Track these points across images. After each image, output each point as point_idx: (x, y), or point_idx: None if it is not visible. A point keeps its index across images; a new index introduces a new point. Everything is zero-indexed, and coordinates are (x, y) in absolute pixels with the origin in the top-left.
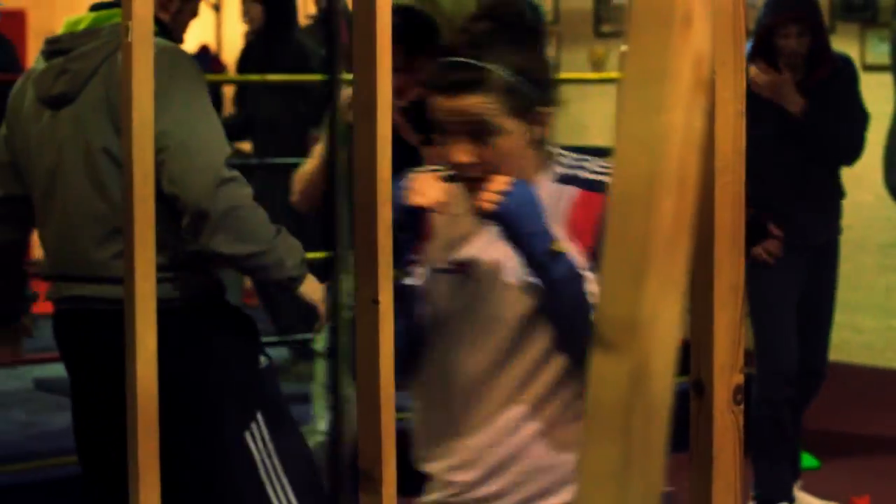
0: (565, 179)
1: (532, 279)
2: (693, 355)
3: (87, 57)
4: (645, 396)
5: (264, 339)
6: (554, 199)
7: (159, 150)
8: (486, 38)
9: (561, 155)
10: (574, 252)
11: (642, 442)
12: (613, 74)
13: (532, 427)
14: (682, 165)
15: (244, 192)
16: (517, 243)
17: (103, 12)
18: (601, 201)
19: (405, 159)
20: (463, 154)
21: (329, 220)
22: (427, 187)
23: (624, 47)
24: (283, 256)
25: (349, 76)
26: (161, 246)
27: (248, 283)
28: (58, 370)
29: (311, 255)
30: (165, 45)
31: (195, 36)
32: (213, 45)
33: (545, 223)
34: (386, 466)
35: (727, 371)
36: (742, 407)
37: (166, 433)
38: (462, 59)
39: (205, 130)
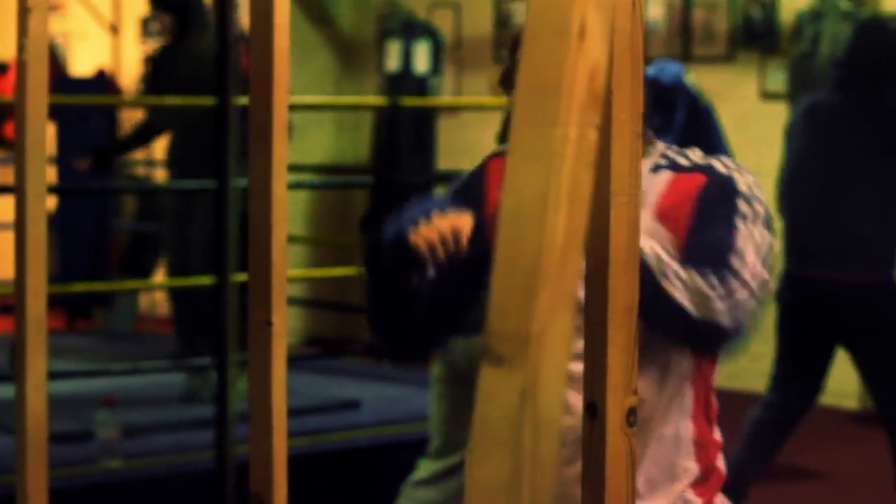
0: (661, 167)
1: None
2: (586, 377)
3: None
4: (535, 411)
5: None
6: (645, 188)
7: None
8: None
9: (668, 148)
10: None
11: (532, 456)
12: None
13: None
14: (575, 180)
15: None
16: None
17: None
18: (695, 181)
19: None
20: None
21: (219, 245)
22: (433, 233)
23: None
24: None
25: (244, 99)
26: None
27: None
28: None
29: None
30: None
31: (92, 59)
32: (110, 68)
33: None
34: (277, 490)
35: (621, 393)
36: (635, 429)
37: None
38: None
39: None
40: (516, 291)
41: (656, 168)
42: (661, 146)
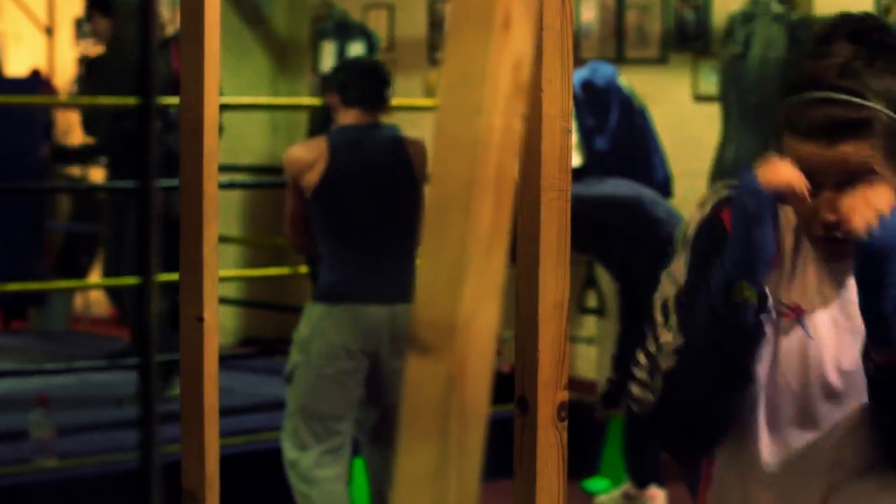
0: None
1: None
2: (517, 372)
3: None
4: (461, 399)
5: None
6: None
7: None
8: (859, 65)
9: None
10: None
11: (459, 445)
12: None
13: None
14: (500, 169)
15: None
16: (871, 288)
17: None
18: None
19: None
20: (834, 213)
21: (143, 244)
22: (782, 169)
23: None
24: None
25: (173, 99)
26: None
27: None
28: None
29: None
30: None
31: (27, 60)
32: (44, 69)
33: None
34: (210, 487)
35: (551, 388)
36: (566, 423)
37: None
38: (839, 96)
39: None
40: (442, 280)
41: None
42: None
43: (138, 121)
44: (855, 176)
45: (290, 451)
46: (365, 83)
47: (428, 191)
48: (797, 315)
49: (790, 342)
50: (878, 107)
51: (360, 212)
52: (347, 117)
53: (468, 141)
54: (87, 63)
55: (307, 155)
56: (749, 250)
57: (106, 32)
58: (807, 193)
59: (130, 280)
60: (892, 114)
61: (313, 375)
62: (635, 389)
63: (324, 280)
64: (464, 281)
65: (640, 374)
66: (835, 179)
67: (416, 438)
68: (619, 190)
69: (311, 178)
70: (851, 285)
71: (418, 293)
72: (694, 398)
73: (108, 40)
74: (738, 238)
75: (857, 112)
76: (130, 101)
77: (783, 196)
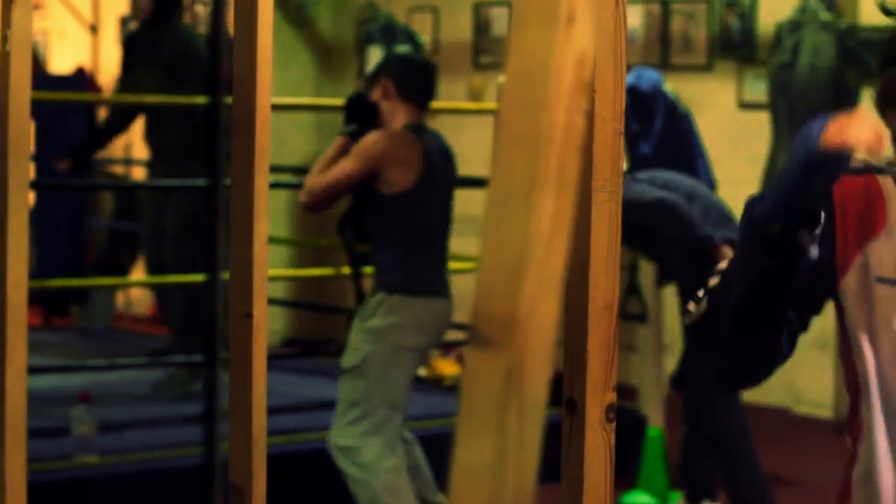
0: None
1: None
2: (566, 373)
3: None
4: (520, 393)
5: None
6: None
7: None
8: None
9: None
10: None
11: (517, 438)
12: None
13: None
14: (563, 164)
15: None
16: None
17: None
18: None
19: None
20: None
21: (211, 242)
22: (854, 128)
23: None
24: None
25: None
26: None
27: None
28: None
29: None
30: None
31: (71, 57)
32: (89, 67)
33: None
34: (256, 482)
35: (600, 389)
36: (614, 424)
37: None
38: None
39: None
40: (503, 275)
41: None
42: None
43: (207, 119)
44: None
45: (349, 439)
46: (427, 82)
47: (489, 185)
48: None
49: None
50: None
51: (438, 213)
52: (402, 112)
53: (531, 136)
54: (127, 38)
55: (403, 153)
56: (790, 205)
57: (147, 9)
58: (881, 151)
59: (174, 278)
60: None
61: (387, 365)
62: (690, 305)
63: (399, 274)
64: (524, 276)
65: (700, 292)
66: None
67: (473, 431)
68: (644, 196)
69: (402, 177)
70: None
71: (478, 287)
72: (728, 321)
73: (149, 15)
74: (782, 188)
75: None
76: (180, 98)
77: (842, 158)
